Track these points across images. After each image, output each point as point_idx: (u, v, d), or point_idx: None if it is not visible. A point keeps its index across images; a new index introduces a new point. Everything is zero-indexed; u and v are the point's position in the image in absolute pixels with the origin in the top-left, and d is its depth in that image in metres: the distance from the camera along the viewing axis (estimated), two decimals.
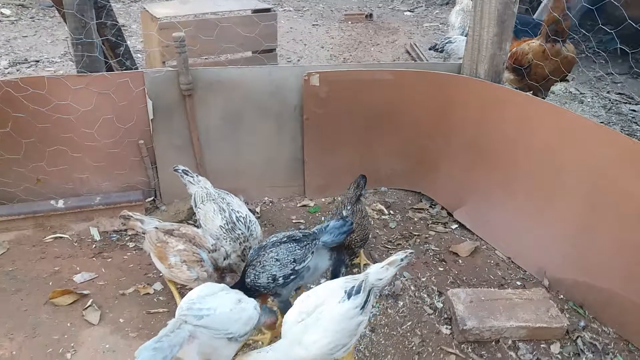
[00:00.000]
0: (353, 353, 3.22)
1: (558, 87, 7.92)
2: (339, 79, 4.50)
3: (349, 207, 3.91)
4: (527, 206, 4.11)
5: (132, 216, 3.57)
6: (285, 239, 3.27)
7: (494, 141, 4.26)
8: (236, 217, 3.61)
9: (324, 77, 4.43)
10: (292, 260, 3.16)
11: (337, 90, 4.52)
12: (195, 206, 3.77)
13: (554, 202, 3.89)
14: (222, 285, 3.04)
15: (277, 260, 3.16)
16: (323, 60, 8.72)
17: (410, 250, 2.94)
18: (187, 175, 3.89)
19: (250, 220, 3.67)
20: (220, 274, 3.52)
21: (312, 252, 3.23)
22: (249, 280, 3.25)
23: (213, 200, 3.69)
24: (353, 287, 2.75)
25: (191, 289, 3.05)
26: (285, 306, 3.24)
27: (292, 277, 3.18)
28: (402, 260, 2.87)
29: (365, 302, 2.76)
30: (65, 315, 3.53)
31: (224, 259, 3.51)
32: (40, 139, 4.18)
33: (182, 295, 3.13)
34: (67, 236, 4.28)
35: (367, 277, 2.82)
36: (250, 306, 2.90)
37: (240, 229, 3.56)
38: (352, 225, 3.37)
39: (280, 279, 3.16)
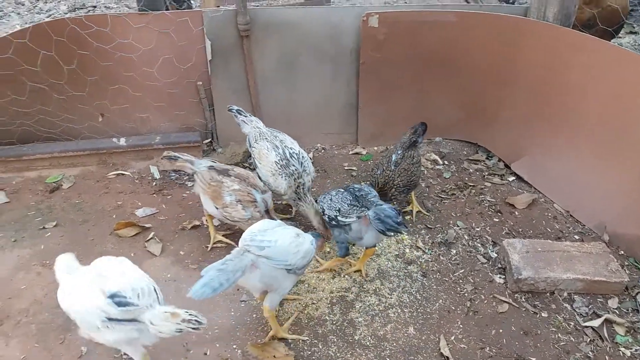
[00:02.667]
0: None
1: (626, 40, 7.45)
2: (399, 20, 4.35)
3: (399, 152, 3.87)
4: (590, 158, 3.95)
5: (179, 157, 3.60)
6: (349, 187, 3.36)
7: (559, 89, 4.07)
8: (289, 153, 3.65)
9: (383, 18, 4.30)
10: (338, 209, 3.23)
11: (396, 33, 4.39)
12: (250, 146, 3.82)
13: (620, 154, 3.71)
14: (278, 221, 3.09)
15: (331, 200, 3.32)
16: (377, 8, 8.45)
17: (199, 319, 2.39)
18: (241, 114, 3.91)
19: (303, 157, 3.70)
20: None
21: (358, 217, 3.17)
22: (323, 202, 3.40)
23: (266, 139, 3.73)
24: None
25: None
26: (339, 246, 3.41)
27: (333, 222, 3.28)
28: (183, 322, 2.36)
29: None
30: (129, 246, 3.71)
31: (284, 194, 3.59)
32: (103, 76, 4.29)
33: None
34: (129, 173, 4.44)
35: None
36: (307, 240, 2.97)
37: (294, 165, 3.60)
38: (398, 227, 3.09)
39: (326, 216, 3.34)
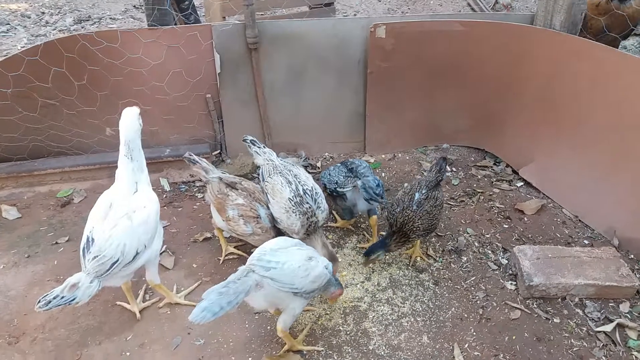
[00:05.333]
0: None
1: (630, 42, 7.46)
2: (407, 31, 4.39)
3: (424, 191, 3.54)
4: (597, 163, 3.97)
5: (197, 161, 3.60)
6: (345, 162, 3.95)
7: (566, 96, 4.09)
8: (303, 190, 3.50)
9: (390, 28, 4.34)
10: (335, 182, 3.77)
11: (403, 43, 4.42)
12: (263, 180, 3.68)
13: (627, 159, 3.73)
14: (297, 240, 3.04)
15: (329, 175, 3.89)
16: (380, 14, 8.52)
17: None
18: (255, 145, 3.81)
19: (316, 193, 3.55)
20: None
21: (353, 186, 3.62)
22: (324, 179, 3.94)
23: (280, 172, 3.58)
24: None
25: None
26: (344, 212, 3.88)
27: (334, 194, 3.79)
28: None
29: None
30: None
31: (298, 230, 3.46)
32: (113, 91, 4.34)
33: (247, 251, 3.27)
34: None
35: None
36: (320, 265, 2.89)
37: (307, 202, 3.45)
38: (376, 197, 3.52)
39: (329, 190, 3.84)
